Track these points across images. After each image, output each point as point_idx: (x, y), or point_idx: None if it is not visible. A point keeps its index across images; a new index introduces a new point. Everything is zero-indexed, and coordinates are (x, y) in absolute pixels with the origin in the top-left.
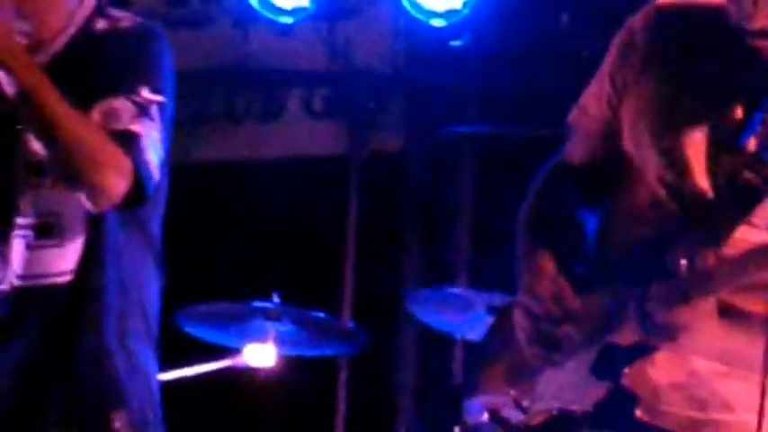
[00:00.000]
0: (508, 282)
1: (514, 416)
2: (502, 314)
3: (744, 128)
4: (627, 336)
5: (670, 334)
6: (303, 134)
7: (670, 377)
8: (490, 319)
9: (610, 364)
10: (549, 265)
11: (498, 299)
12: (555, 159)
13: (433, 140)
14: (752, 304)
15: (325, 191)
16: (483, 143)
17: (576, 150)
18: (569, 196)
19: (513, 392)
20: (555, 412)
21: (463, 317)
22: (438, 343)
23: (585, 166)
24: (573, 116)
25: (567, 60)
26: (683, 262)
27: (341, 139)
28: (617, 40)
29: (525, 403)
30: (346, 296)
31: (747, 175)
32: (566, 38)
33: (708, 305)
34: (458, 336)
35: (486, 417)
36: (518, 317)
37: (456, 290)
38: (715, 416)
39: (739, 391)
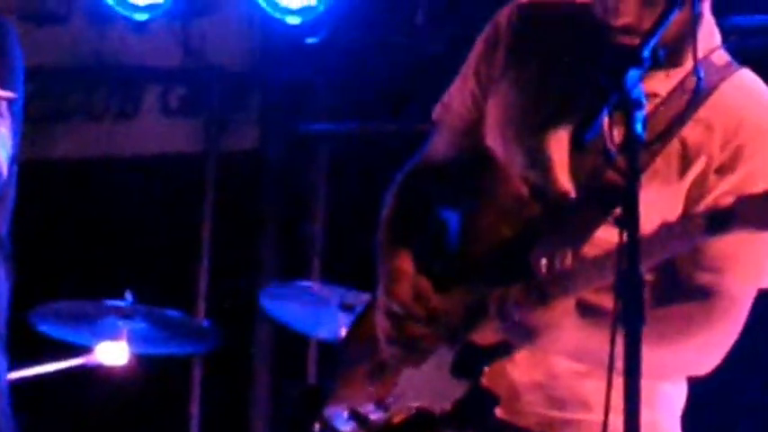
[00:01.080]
0: (361, 278)
1: (375, 414)
2: (360, 315)
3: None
4: (487, 335)
5: (530, 333)
6: (159, 132)
7: (530, 377)
8: (343, 316)
9: (470, 363)
10: (407, 265)
11: (351, 295)
12: (417, 156)
13: (289, 138)
14: (610, 302)
15: (181, 189)
16: (338, 140)
17: (440, 146)
18: (432, 193)
19: (374, 390)
20: (414, 411)
21: (317, 312)
22: (293, 341)
23: (449, 162)
24: (437, 112)
25: (423, 57)
26: (544, 261)
27: (197, 136)
28: (482, 36)
29: (386, 401)
30: (201, 294)
31: (609, 174)
32: (421, 35)
33: (567, 304)
34: (312, 334)
35: (345, 414)
36: (378, 318)
37: (309, 284)
38: (574, 415)
39: (597, 391)
